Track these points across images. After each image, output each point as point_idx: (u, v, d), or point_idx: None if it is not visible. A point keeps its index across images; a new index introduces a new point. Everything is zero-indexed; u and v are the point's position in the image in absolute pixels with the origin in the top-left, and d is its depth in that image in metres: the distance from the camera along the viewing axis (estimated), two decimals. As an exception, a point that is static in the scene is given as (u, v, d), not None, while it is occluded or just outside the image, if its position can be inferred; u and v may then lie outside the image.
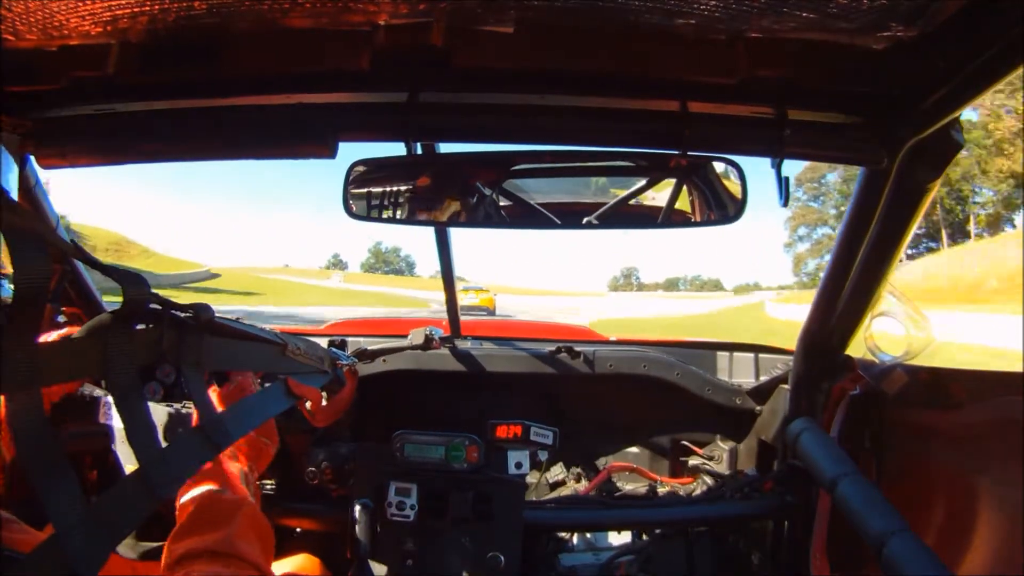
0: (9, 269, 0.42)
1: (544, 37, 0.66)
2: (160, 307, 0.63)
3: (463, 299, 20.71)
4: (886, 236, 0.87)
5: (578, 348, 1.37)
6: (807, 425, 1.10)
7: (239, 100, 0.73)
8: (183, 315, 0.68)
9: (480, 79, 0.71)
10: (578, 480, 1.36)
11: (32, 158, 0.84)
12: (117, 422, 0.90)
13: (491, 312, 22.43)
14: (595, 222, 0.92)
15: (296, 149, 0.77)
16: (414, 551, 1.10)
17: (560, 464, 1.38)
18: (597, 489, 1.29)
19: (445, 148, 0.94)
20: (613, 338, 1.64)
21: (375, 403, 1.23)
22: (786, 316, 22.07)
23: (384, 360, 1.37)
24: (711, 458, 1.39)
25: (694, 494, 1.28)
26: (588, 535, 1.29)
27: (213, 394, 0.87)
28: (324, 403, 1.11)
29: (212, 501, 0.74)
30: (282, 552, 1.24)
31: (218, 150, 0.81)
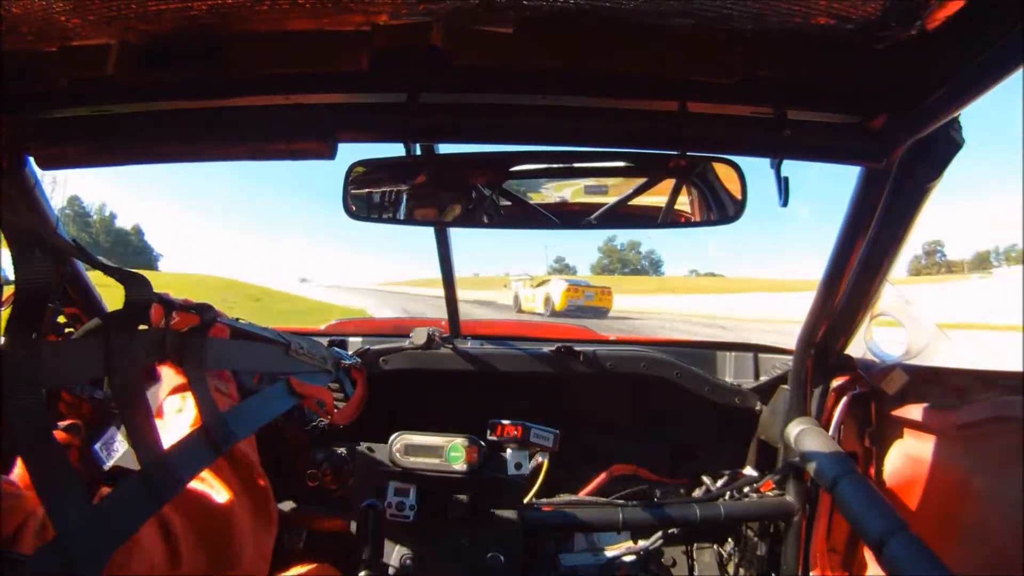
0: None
1: (543, 37, 0.66)
2: (163, 307, 0.63)
3: (577, 300, 16.89)
4: (886, 236, 0.87)
5: (578, 348, 1.37)
6: (807, 425, 1.11)
7: (238, 101, 0.73)
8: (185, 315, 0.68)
9: (479, 80, 0.71)
10: (578, 480, 1.36)
11: (31, 158, 0.85)
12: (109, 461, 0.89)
13: (606, 312, 17.48)
14: (595, 222, 0.92)
15: (296, 150, 0.77)
16: (414, 551, 1.10)
17: (560, 464, 1.39)
18: (597, 489, 1.29)
19: (444, 148, 0.94)
20: (613, 337, 1.64)
21: (375, 403, 1.23)
22: None
23: (384, 360, 1.37)
24: (711, 458, 1.39)
25: (694, 494, 1.28)
26: (588, 535, 1.29)
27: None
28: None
29: None
30: (284, 553, 1.24)
31: (218, 151, 0.81)
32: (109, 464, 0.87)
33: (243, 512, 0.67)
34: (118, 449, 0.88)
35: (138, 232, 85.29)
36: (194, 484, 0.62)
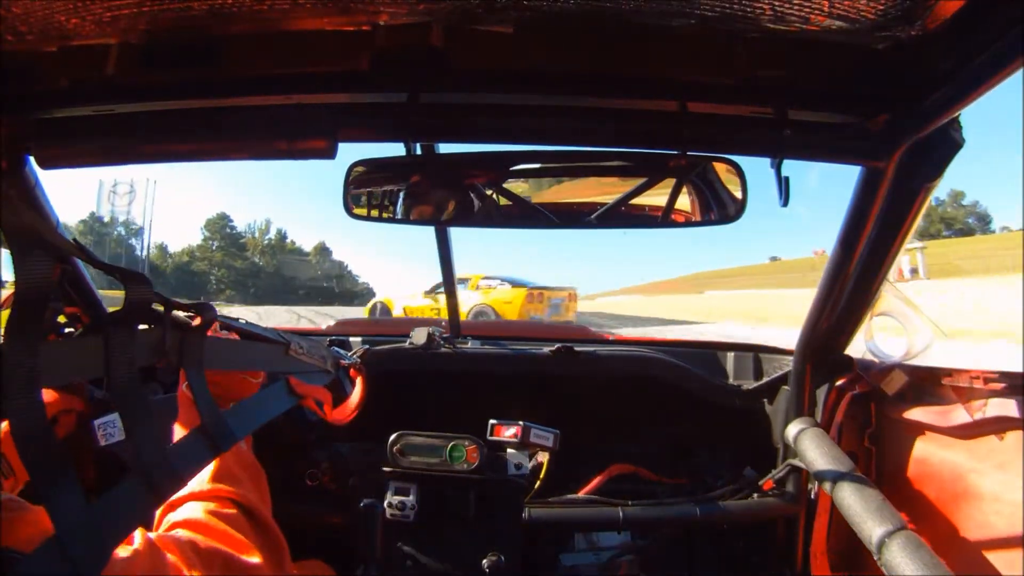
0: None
1: (543, 37, 0.66)
2: (162, 307, 0.63)
3: (539, 314, 10.35)
4: (885, 236, 0.87)
5: (578, 348, 1.37)
6: (807, 425, 1.11)
7: (239, 101, 0.73)
8: (185, 315, 0.68)
9: (479, 79, 0.71)
10: (578, 480, 1.36)
11: (32, 158, 0.85)
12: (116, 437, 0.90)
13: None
14: (595, 222, 0.92)
15: (296, 150, 0.77)
16: (414, 551, 1.10)
17: (560, 464, 1.39)
18: (597, 489, 1.29)
19: (444, 148, 0.94)
20: (612, 337, 1.64)
21: (375, 403, 1.23)
22: None
23: (385, 360, 1.36)
24: (711, 458, 1.39)
25: (694, 494, 1.28)
26: (588, 535, 1.29)
27: None
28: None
29: None
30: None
31: (218, 151, 0.81)
32: (103, 443, 0.88)
33: (269, 572, 0.67)
34: (115, 435, 0.89)
35: (323, 252, 57.20)
36: (227, 548, 0.63)
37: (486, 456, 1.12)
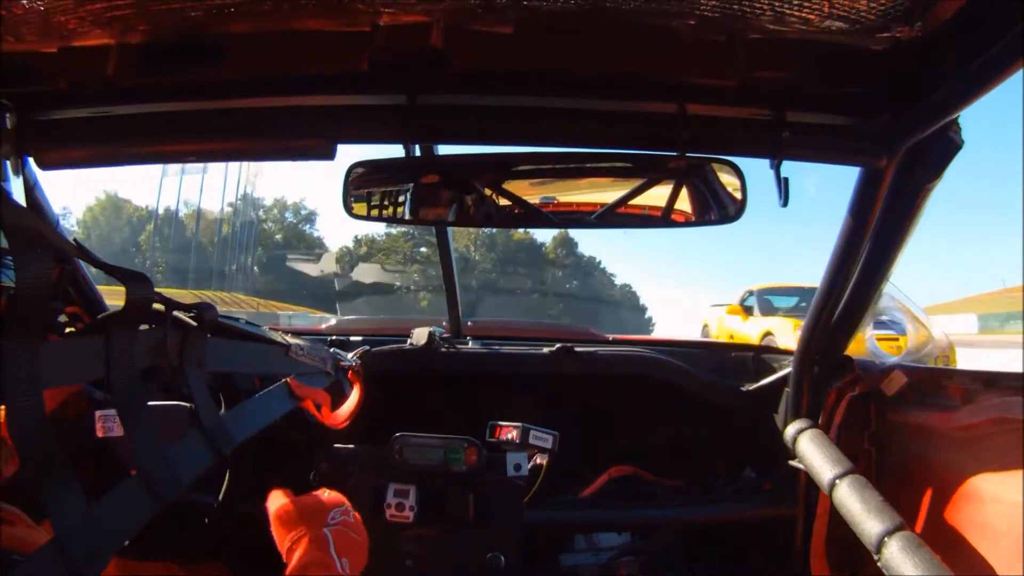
0: None
1: (543, 39, 0.66)
2: (163, 307, 0.63)
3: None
4: (885, 237, 0.87)
5: (578, 348, 1.36)
6: (807, 425, 1.10)
7: (238, 102, 0.73)
8: (186, 316, 0.68)
9: (479, 81, 0.71)
10: (578, 481, 1.36)
11: (31, 159, 0.85)
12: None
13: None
14: (594, 222, 0.92)
15: (295, 151, 0.77)
16: (413, 552, 1.10)
17: (560, 465, 1.38)
18: (597, 490, 1.28)
19: (444, 149, 0.94)
20: (612, 338, 1.64)
21: (375, 404, 1.23)
22: None
23: (385, 361, 1.36)
24: (710, 459, 1.39)
25: (694, 495, 1.28)
26: (588, 535, 1.29)
27: None
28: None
29: None
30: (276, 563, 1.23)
31: (217, 152, 0.81)
32: (101, 435, 0.86)
33: None
34: (113, 431, 0.88)
35: (565, 245, 36.34)
36: None
37: (485, 457, 1.12)
